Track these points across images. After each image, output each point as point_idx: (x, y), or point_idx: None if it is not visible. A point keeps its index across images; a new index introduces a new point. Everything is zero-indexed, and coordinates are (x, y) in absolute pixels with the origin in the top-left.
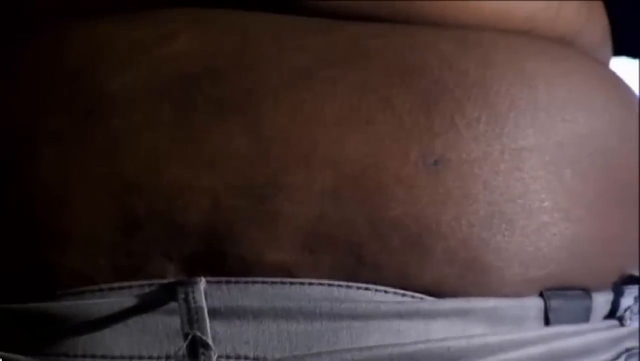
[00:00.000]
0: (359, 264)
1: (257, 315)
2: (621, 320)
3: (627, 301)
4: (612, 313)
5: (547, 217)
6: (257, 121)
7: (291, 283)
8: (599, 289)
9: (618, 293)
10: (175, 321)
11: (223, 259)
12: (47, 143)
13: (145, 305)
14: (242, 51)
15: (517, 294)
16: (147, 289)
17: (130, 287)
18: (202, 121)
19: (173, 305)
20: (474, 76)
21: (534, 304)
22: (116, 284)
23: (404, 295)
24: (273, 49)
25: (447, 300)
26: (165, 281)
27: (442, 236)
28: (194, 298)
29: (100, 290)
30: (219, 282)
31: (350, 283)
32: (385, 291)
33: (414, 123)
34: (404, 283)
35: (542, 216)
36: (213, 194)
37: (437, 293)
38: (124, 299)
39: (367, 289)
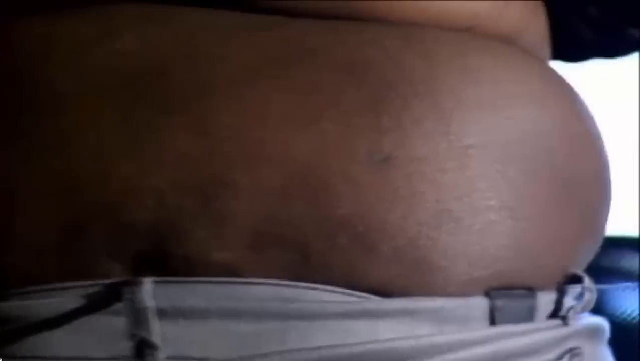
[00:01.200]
0: (306, 263)
1: (204, 315)
2: (565, 320)
3: (570, 300)
4: (556, 313)
5: (493, 215)
6: (203, 118)
7: (238, 283)
8: (544, 288)
9: (562, 293)
10: (121, 322)
11: (169, 259)
12: None
13: (91, 306)
14: (187, 48)
15: (463, 293)
16: (92, 290)
17: (76, 287)
18: (148, 118)
19: (119, 305)
20: (419, 72)
21: (480, 304)
22: (62, 285)
23: (350, 295)
24: (219, 46)
25: (394, 300)
26: (110, 281)
27: (390, 235)
28: (139, 298)
29: (47, 290)
30: (165, 282)
31: (297, 283)
32: (332, 291)
33: (361, 121)
34: (351, 283)
35: (489, 215)
36: (158, 193)
37: (384, 292)
38: (70, 299)
39: (314, 288)
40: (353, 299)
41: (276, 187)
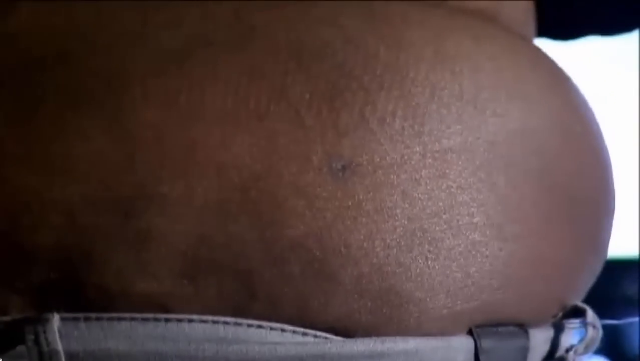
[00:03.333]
0: (250, 296)
1: (124, 360)
2: None
3: (567, 338)
4: (552, 354)
5: (477, 235)
6: (119, 116)
7: (166, 320)
8: (537, 324)
9: (558, 329)
10: None
11: (81, 290)
12: None
13: None
14: (96, 28)
15: (442, 332)
16: None
17: None
18: (52, 115)
19: (20, 348)
20: (385, 58)
21: (463, 345)
22: None
23: (304, 334)
24: (135, 25)
25: (358, 341)
26: (8, 318)
27: (352, 261)
28: (46, 339)
29: None
30: (77, 319)
31: (239, 320)
32: (282, 330)
33: (315, 119)
34: (305, 319)
35: (472, 235)
36: (67, 208)
37: (345, 331)
38: None
39: (259, 327)
40: (308, 340)
41: (212, 201)
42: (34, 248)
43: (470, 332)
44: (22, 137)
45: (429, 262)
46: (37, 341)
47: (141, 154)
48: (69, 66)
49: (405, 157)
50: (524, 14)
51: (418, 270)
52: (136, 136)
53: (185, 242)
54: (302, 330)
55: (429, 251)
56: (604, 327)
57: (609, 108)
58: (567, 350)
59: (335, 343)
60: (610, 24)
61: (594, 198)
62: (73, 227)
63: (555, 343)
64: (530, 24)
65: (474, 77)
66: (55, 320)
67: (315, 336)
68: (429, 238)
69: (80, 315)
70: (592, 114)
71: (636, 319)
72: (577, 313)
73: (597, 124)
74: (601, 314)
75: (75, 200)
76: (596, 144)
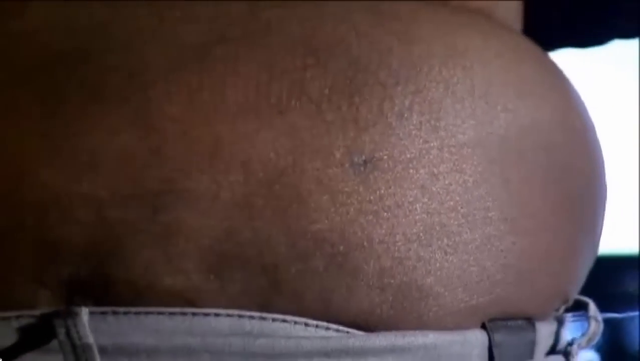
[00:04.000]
0: (274, 290)
1: (152, 354)
2: (567, 356)
3: (568, 331)
4: (553, 347)
5: (492, 229)
6: (144, 111)
7: (193, 314)
8: (542, 317)
9: (560, 323)
10: None
11: (109, 285)
12: None
13: (16, 344)
14: (114, 24)
15: (459, 325)
16: (15, 323)
17: None
18: (77, 111)
19: (52, 342)
20: (399, 53)
21: (478, 339)
22: None
23: (327, 329)
24: (152, 21)
25: (380, 336)
26: (37, 312)
27: (374, 255)
28: (77, 333)
29: None
30: (105, 313)
31: (264, 314)
32: (306, 324)
33: (336, 113)
34: (328, 314)
35: (487, 229)
36: (95, 203)
37: (366, 325)
38: None
39: (284, 321)
40: (331, 334)
41: (237, 196)
42: (62, 243)
43: (483, 326)
44: (48, 133)
45: (448, 256)
46: (69, 335)
47: (167, 149)
48: (90, 62)
49: (424, 151)
50: (515, 14)
51: (437, 264)
52: (161, 131)
53: (212, 237)
54: (325, 324)
55: (448, 245)
56: (605, 322)
57: (608, 108)
58: (570, 344)
59: (358, 338)
60: (585, 37)
61: (591, 193)
62: (101, 222)
63: (557, 337)
64: (519, 26)
65: (484, 72)
66: (84, 313)
67: (338, 330)
68: (447, 232)
69: (108, 309)
70: (587, 111)
71: (636, 314)
72: (579, 306)
73: (591, 120)
74: (602, 309)
75: (102, 195)
76: (592, 140)
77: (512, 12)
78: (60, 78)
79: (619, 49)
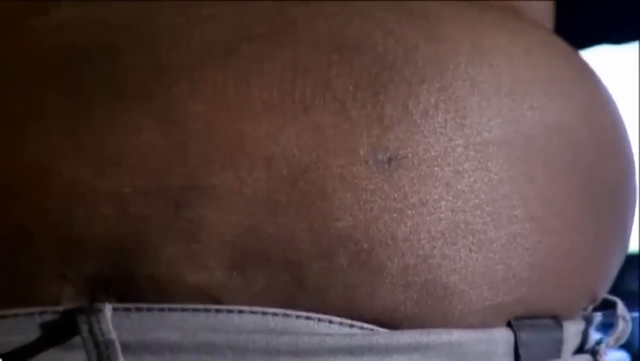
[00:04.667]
0: (298, 287)
1: (175, 350)
2: (595, 355)
3: (598, 331)
4: (582, 346)
5: (518, 228)
6: (169, 108)
7: (217, 311)
8: (569, 316)
9: (589, 322)
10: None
11: (132, 281)
12: None
13: (39, 339)
14: (139, 21)
15: (484, 323)
16: (38, 319)
17: (16, 315)
18: (101, 108)
19: (75, 339)
20: (424, 51)
21: (503, 337)
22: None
23: (352, 326)
24: (178, 18)
25: (405, 333)
26: (61, 308)
27: (398, 253)
28: (100, 329)
29: None
30: (128, 309)
31: (288, 311)
32: (330, 321)
33: (360, 111)
34: (352, 311)
35: (513, 227)
36: (119, 199)
37: (390, 322)
38: (8, 331)
39: (308, 318)
40: (356, 331)
41: (261, 193)
42: (86, 239)
43: (509, 324)
44: (73, 129)
45: (472, 254)
46: (91, 331)
47: (191, 145)
48: (116, 58)
49: (449, 149)
50: (546, 12)
51: (462, 262)
52: (185, 128)
53: (235, 233)
54: (349, 321)
55: (472, 243)
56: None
57: None
58: (598, 343)
59: (382, 335)
60: (619, 33)
61: (620, 192)
62: (125, 218)
63: (585, 336)
64: (551, 24)
65: (511, 70)
66: (108, 310)
67: (362, 327)
68: (472, 230)
69: (132, 305)
70: (617, 108)
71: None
72: (606, 305)
73: (621, 118)
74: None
75: (127, 191)
76: (622, 137)
77: (542, 10)
78: (86, 75)
79: (619, 50)
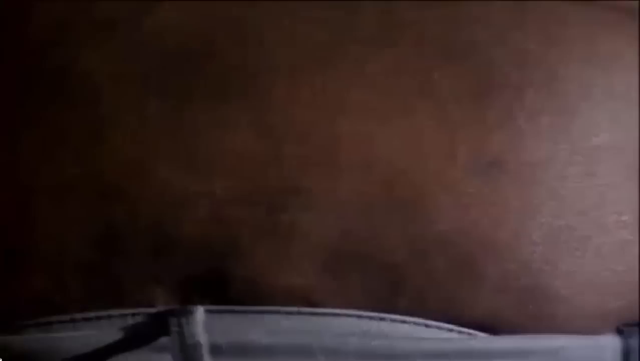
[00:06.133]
0: (394, 290)
1: (268, 353)
2: None
3: None
4: None
5: (627, 233)
6: (266, 111)
7: (312, 314)
8: None
9: None
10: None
11: (225, 283)
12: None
13: (129, 340)
14: (243, 23)
15: (590, 330)
16: (130, 321)
17: (109, 317)
18: (199, 110)
19: (164, 340)
20: (535, 55)
21: (611, 344)
22: (92, 314)
23: (450, 330)
24: (284, 21)
25: (505, 338)
26: (153, 310)
27: (498, 258)
28: (189, 331)
29: (72, 321)
30: (221, 312)
31: (383, 315)
32: (427, 325)
33: (462, 114)
34: (451, 315)
35: (621, 233)
36: (213, 201)
37: (490, 327)
38: (102, 332)
39: (403, 322)
40: (453, 336)
41: (356, 196)
42: (179, 240)
43: (618, 331)
44: (170, 132)
45: (577, 260)
46: (180, 333)
47: (287, 148)
48: (216, 61)
49: (554, 154)
50: None
51: (565, 268)
52: (282, 131)
53: (329, 236)
54: (447, 325)
55: (577, 248)
56: None
57: None
58: None
59: (481, 340)
60: None
61: None
62: (219, 220)
63: None
64: None
65: (625, 76)
66: (200, 312)
67: (460, 332)
68: (576, 236)
69: (225, 307)
70: None
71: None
72: None
73: None
74: None
75: (220, 193)
76: None
77: None
78: (186, 76)
79: None
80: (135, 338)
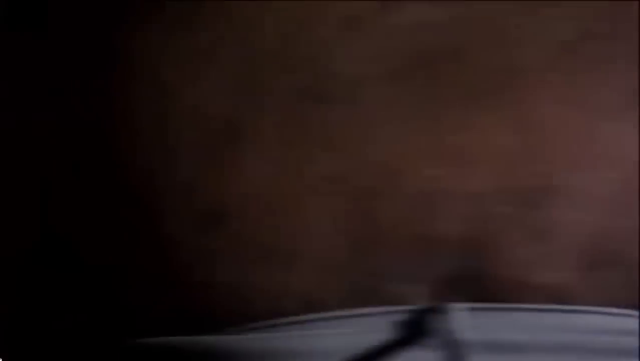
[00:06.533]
0: None
1: (521, 350)
2: None
3: None
4: None
5: None
6: (520, 108)
7: (568, 311)
8: None
9: None
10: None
11: (483, 280)
12: (252, 135)
13: (389, 339)
14: (483, 21)
15: None
16: (388, 318)
17: (365, 315)
18: (453, 108)
19: (426, 338)
20: None
21: None
22: (346, 312)
23: None
24: (524, 19)
25: None
26: (412, 307)
27: None
28: (450, 329)
29: (327, 319)
30: (477, 309)
31: (634, 312)
32: None
33: None
34: None
35: None
36: (474, 198)
37: None
38: (358, 330)
39: None
40: None
41: (612, 192)
42: (440, 237)
43: None
44: (428, 131)
45: None
46: (442, 331)
47: (543, 146)
48: (464, 60)
49: None
50: None
51: None
52: (537, 129)
53: (588, 233)
54: None
55: None
56: None
57: None
58: None
59: None
60: None
61: None
62: (478, 217)
63: None
64: None
65: None
66: (459, 309)
67: None
68: None
69: (482, 305)
70: None
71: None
72: None
73: None
74: None
75: (483, 191)
76: None
77: None
78: (435, 76)
79: None
80: (395, 337)
